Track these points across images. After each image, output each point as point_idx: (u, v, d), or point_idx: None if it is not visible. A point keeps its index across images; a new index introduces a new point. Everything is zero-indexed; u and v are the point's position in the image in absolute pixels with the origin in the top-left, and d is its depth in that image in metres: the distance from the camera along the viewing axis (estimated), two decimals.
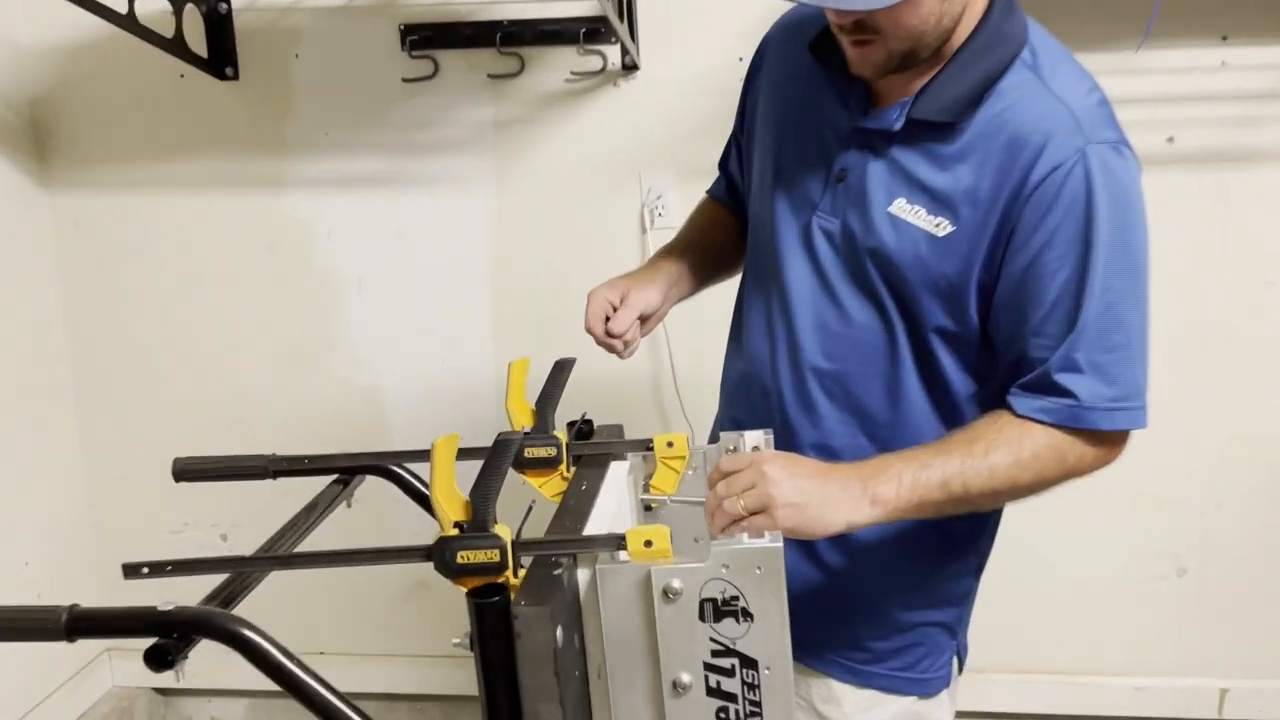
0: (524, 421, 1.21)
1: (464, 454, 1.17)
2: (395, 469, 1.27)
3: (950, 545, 1.31)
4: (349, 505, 1.30)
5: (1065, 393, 1.12)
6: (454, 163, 2.25)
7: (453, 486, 0.92)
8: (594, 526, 1.00)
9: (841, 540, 1.24)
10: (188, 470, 1.27)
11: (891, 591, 1.30)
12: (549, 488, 1.21)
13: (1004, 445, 1.11)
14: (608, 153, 2.20)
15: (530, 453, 1.19)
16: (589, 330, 1.34)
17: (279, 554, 0.96)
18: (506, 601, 0.84)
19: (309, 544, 1.23)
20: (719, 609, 0.88)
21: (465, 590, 0.88)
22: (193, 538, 2.47)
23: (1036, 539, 2.16)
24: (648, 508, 1.18)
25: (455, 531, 0.92)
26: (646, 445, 1.19)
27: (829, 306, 1.26)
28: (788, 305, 1.28)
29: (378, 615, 2.48)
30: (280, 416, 2.40)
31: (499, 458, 0.90)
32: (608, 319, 1.33)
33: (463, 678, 2.47)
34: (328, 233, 2.32)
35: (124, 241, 2.38)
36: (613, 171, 2.21)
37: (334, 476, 1.28)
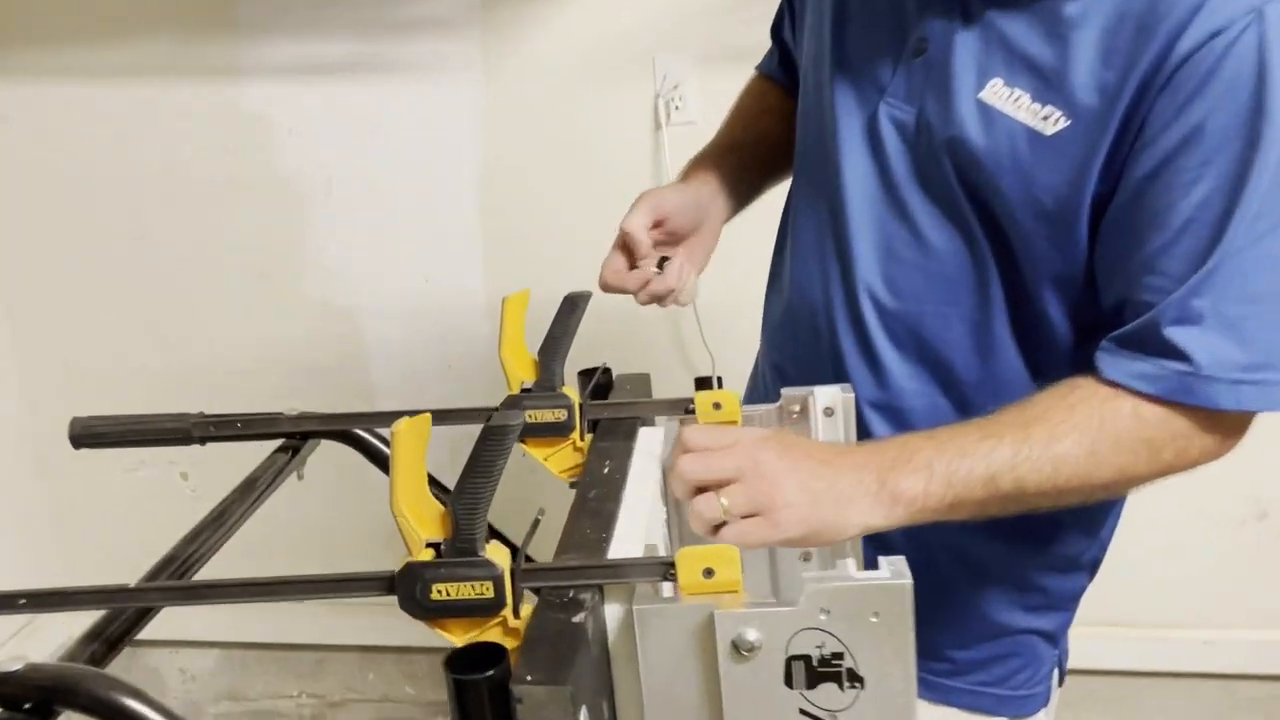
0: (523, 375, 0.92)
1: (444, 417, 0.90)
2: (358, 433, 0.99)
3: (1061, 532, 1.03)
4: (300, 477, 1.02)
5: (1176, 353, 0.82)
6: (434, 46, 1.94)
7: (423, 488, 0.64)
8: (624, 533, 0.72)
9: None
10: (88, 434, 0.99)
11: (982, 589, 1.03)
12: (557, 461, 0.93)
13: (1077, 429, 0.82)
14: (615, 33, 1.89)
15: (532, 416, 0.91)
16: (616, 289, 1.03)
17: (183, 583, 0.68)
18: (505, 675, 0.56)
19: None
20: (814, 670, 0.61)
21: (444, 654, 0.59)
22: (149, 477, 2.23)
23: None
24: None
25: (429, 554, 0.64)
26: (685, 406, 0.90)
27: (897, 224, 0.96)
28: (844, 221, 0.99)
29: (357, 561, 2.23)
30: (240, 342, 2.15)
31: (492, 450, 0.62)
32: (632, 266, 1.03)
33: None
34: (289, 130, 2.02)
35: (55, 138, 2.08)
36: (621, 56, 1.90)
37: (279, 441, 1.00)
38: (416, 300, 2.08)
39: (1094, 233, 0.88)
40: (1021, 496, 0.81)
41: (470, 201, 2.01)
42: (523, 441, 0.92)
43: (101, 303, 2.15)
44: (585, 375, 1.00)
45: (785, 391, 0.91)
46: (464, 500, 0.63)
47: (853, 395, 0.90)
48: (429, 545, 0.64)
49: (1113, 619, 2.08)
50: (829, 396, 0.90)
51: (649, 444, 0.87)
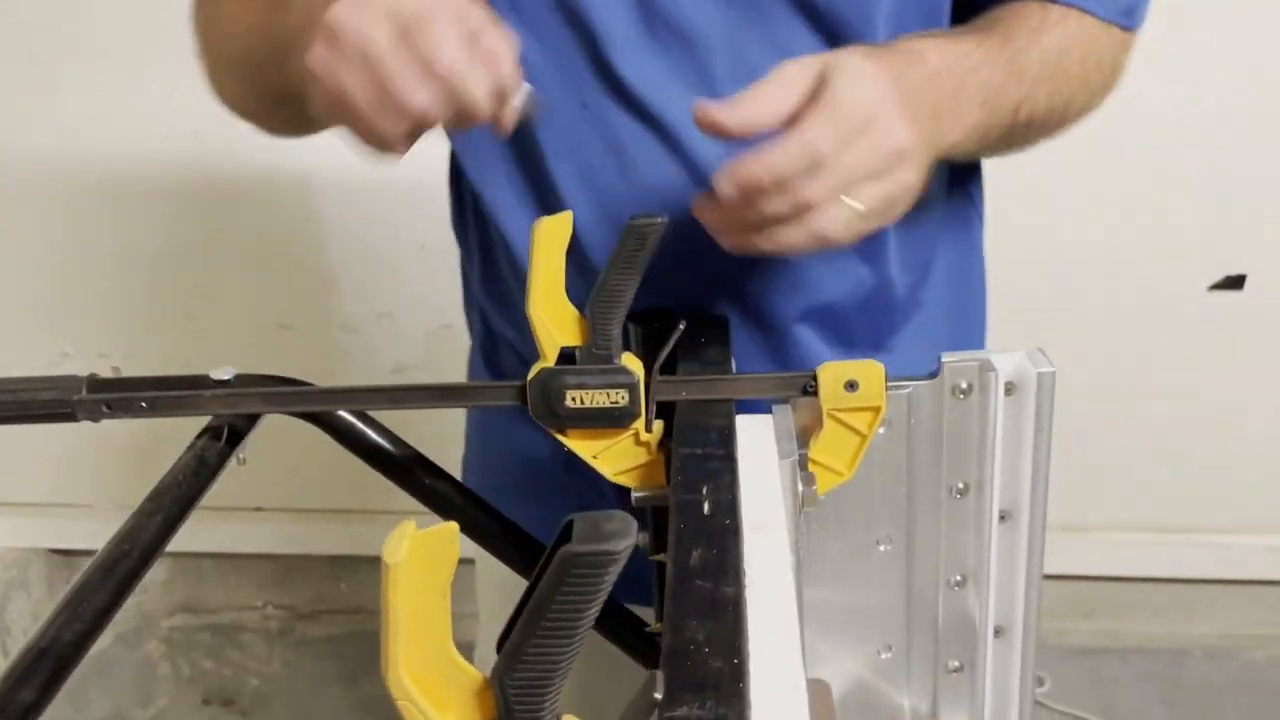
0: (562, 338, 0.62)
1: (447, 395, 0.62)
2: (339, 414, 0.70)
3: None
4: (241, 461, 0.74)
5: None
6: None
7: (447, 640, 0.35)
8: (766, 655, 0.44)
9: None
10: None
11: None
12: (611, 459, 0.64)
13: (1081, 61, 0.75)
14: None
15: (576, 398, 0.61)
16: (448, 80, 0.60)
17: None
18: None
19: None
20: None
21: None
22: (74, 371, 1.91)
23: (1144, 370, 1.71)
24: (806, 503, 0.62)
25: None
26: (804, 385, 0.61)
27: (763, 49, 0.72)
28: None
29: (323, 466, 1.97)
30: (166, 219, 1.80)
31: (580, 590, 0.33)
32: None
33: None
34: None
35: None
36: None
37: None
38: (380, 168, 1.76)
39: None
40: (1026, 130, 0.74)
41: None
42: (563, 433, 0.63)
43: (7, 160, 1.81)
44: (641, 326, 0.70)
45: (948, 359, 0.63)
46: (524, 671, 0.34)
47: (1052, 370, 0.61)
48: None
49: (1176, 525, 1.90)
50: (1013, 368, 0.62)
51: (756, 451, 0.59)
